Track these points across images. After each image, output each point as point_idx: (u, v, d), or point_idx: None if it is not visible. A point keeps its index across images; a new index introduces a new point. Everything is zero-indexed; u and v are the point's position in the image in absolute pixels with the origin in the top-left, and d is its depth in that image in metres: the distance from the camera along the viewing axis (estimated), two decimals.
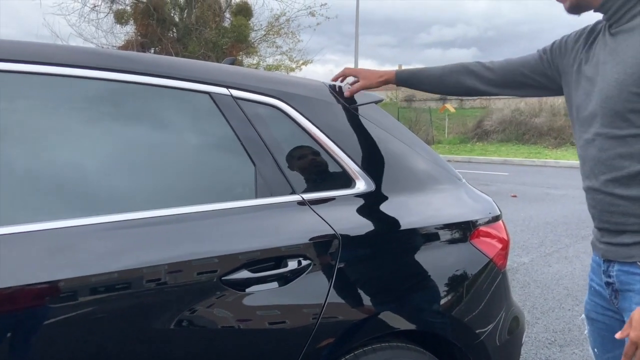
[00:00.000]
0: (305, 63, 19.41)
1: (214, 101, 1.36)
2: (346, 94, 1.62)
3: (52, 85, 1.20)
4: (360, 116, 1.58)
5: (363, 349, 1.39)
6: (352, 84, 1.64)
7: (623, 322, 1.24)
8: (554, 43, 1.42)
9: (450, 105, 22.73)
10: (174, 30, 18.46)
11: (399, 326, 1.44)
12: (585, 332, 1.46)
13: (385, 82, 1.68)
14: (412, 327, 1.47)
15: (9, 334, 1.02)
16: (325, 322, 1.30)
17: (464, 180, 1.75)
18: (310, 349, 1.29)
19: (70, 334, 1.06)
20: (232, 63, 1.67)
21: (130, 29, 18.60)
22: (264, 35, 19.01)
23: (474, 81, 1.53)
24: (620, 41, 1.20)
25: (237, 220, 1.27)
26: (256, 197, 1.33)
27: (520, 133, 18.90)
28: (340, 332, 1.34)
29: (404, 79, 1.67)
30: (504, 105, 20.83)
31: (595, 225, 1.31)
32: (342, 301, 1.34)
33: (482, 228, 1.63)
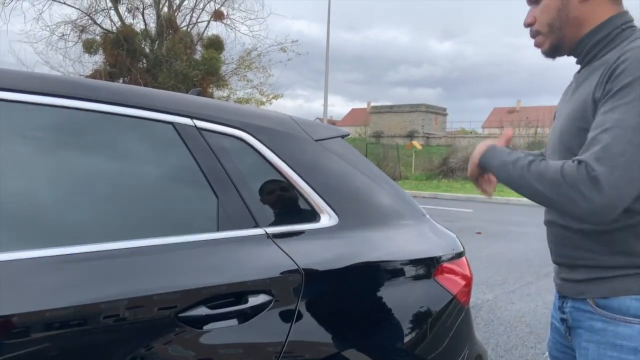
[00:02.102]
0: (275, 97, 19.64)
1: (177, 132, 1.33)
2: None
3: (4, 111, 1.16)
4: (326, 150, 1.58)
5: None
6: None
7: None
8: None
9: (417, 143, 23.18)
10: (144, 61, 18.44)
11: None
12: None
13: None
14: None
15: None
16: None
17: (428, 216, 1.75)
18: None
19: None
20: (199, 94, 1.66)
21: (99, 58, 18.52)
22: (235, 68, 19.21)
23: None
24: (583, 78, 1.23)
25: (196, 254, 1.23)
26: (218, 230, 1.29)
27: None
28: None
29: None
30: (468, 144, 21.41)
31: (553, 259, 1.33)
32: (305, 339, 1.30)
33: (445, 264, 1.62)
